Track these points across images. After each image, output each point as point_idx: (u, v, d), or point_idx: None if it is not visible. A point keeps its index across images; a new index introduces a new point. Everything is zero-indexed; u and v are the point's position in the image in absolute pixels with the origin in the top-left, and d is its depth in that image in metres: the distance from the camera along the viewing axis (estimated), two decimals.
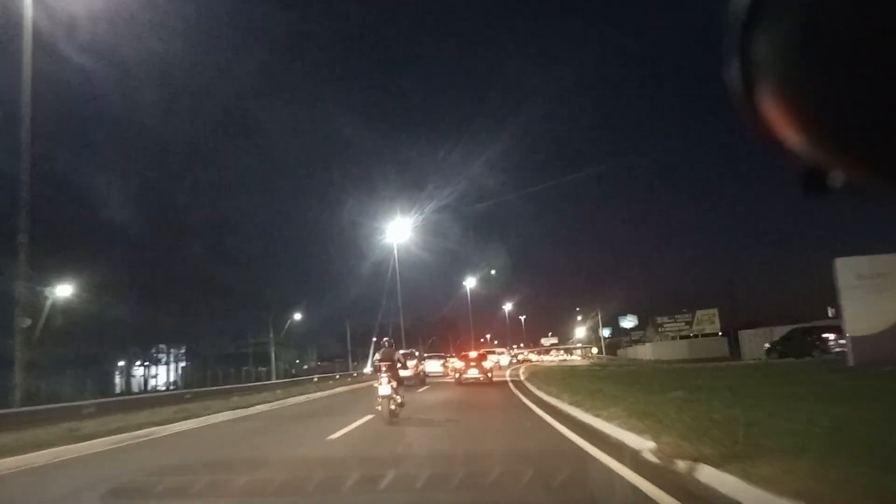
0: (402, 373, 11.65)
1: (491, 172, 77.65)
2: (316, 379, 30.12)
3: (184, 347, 53.63)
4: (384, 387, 9.65)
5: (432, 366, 29.40)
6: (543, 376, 21.52)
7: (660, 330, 53.59)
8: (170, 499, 5.04)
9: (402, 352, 15.29)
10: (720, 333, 49.15)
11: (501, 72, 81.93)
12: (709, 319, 50.25)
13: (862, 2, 0.82)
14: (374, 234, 34.04)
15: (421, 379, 23.78)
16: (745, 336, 33.82)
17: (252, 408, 14.52)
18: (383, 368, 9.93)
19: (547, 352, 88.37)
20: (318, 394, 20.57)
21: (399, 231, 32.69)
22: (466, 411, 11.99)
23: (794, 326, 27.72)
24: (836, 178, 0.92)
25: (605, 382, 14.51)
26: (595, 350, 72.99)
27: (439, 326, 79.81)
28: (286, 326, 49.08)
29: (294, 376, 51.06)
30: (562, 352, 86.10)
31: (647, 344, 58.11)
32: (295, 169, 76.23)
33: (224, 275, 47.78)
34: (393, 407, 9.68)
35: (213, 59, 56.51)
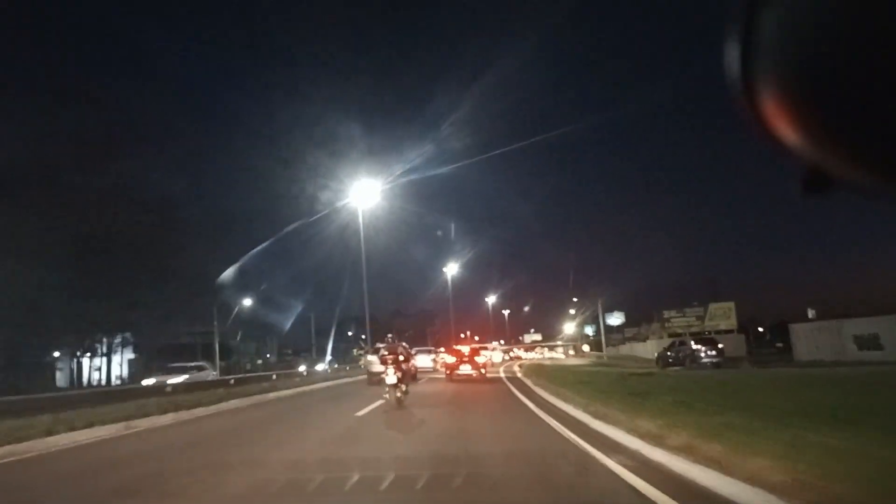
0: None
1: (470, 156, 71.12)
2: (169, 389, 18.03)
3: (120, 337, 45.93)
4: (391, 377, 11.09)
5: (422, 360, 27.99)
6: (568, 385, 15.06)
7: (666, 325, 47.67)
8: None
9: (403, 344, 16.61)
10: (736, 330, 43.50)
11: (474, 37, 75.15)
12: (724, 314, 44.08)
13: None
14: (339, 198, 28.08)
15: (412, 374, 19.35)
16: (796, 330, 27.99)
17: None
18: (389, 361, 11.30)
19: (531, 348, 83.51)
20: (167, 417, 11.15)
21: (365, 196, 28.26)
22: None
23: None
24: (837, 177, 0.89)
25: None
26: (587, 347, 67.58)
27: (417, 320, 75.82)
28: (233, 314, 41.87)
29: (248, 372, 44.26)
30: (546, 349, 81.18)
31: (648, 341, 53.20)
32: (255, 135, 68.47)
33: (174, 254, 40.76)
34: (399, 395, 11.05)
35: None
